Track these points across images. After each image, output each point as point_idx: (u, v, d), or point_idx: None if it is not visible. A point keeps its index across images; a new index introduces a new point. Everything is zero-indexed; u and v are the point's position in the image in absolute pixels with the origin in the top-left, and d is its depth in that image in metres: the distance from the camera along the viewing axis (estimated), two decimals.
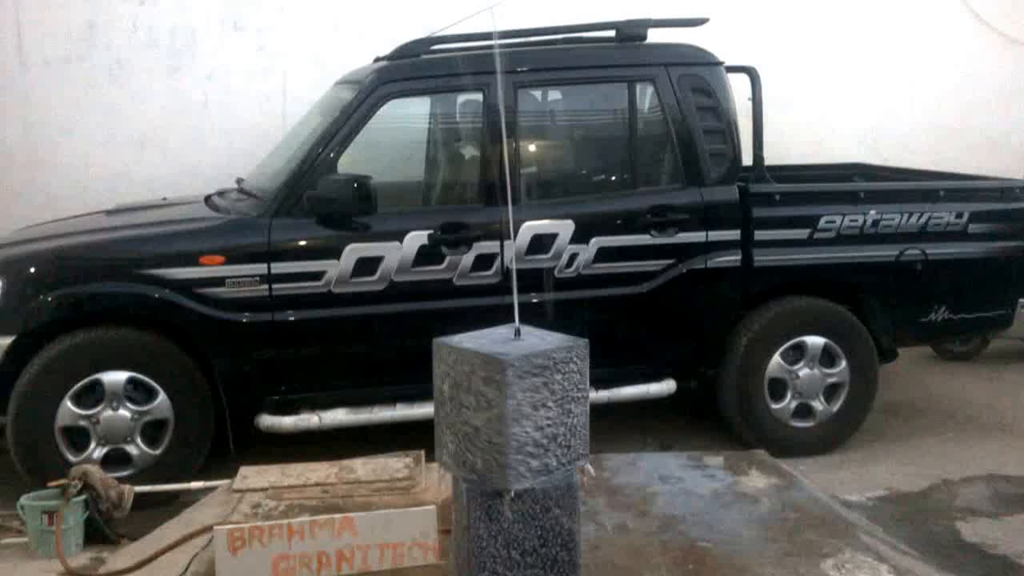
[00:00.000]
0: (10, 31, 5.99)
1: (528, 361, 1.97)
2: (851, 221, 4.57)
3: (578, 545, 2.14)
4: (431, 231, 4.19)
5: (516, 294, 2.19)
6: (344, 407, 4.24)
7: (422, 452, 3.38)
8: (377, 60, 4.72)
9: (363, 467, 3.37)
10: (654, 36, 4.66)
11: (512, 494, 2.02)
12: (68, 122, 6.09)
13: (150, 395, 4.03)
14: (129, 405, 4.00)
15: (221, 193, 4.82)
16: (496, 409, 1.96)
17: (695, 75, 4.50)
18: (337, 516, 2.67)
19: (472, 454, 2.02)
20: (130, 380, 4.00)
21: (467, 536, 2.09)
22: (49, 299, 3.97)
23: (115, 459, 3.99)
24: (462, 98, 4.65)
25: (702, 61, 4.56)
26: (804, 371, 4.57)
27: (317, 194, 4.09)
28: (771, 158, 5.02)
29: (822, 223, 4.54)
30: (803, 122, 6.56)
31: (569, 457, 2.06)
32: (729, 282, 4.49)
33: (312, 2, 6.26)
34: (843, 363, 4.60)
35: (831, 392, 4.63)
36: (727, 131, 4.52)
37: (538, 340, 2.08)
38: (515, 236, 4.16)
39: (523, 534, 2.06)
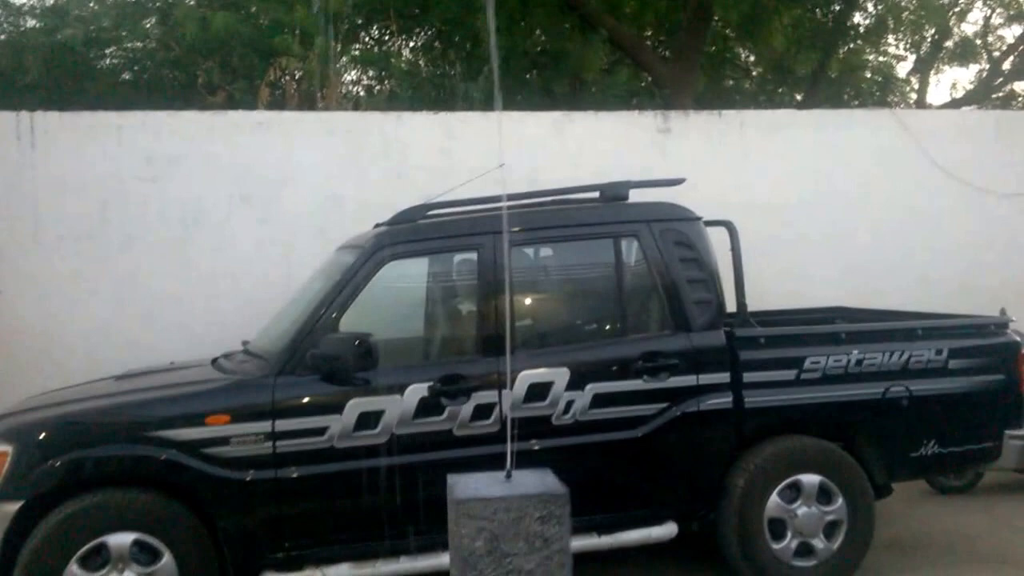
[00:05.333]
0: (28, 213, 6.29)
1: None
2: (835, 361, 4.72)
3: None
4: (431, 383, 4.32)
5: (511, 442, 2.27)
6: (347, 562, 4.25)
7: None
8: (377, 226, 4.98)
9: None
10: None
11: None
12: (80, 295, 6.30)
13: (155, 556, 4.05)
14: (135, 567, 4.02)
15: (227, 356, 4.96)
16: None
17: (676, 230, 4.74)
18: None
19: None
20: (136, 542, 4.03)
21: None
22: (57, 464, 4.05)
23: None
24: (458, 257, 4.87)
25: (681, 217, 4.81)
26: (802, 509, 4.60)
27: (320, 352, 4.23)
28: (753, 304, 5.25)
29: (808, 364, 4.69)
30: (782, 269, 6.82)
31: None
32: (722, 424, 4.59)
33: (315, 176, 6.60)
34: (840, 500, 4.63)
35: (831, 530, 4.64)
36: (710, 280, 4.73)
37: (536, 479, 2.19)
38: (512, 385, 4.27)
39: None
